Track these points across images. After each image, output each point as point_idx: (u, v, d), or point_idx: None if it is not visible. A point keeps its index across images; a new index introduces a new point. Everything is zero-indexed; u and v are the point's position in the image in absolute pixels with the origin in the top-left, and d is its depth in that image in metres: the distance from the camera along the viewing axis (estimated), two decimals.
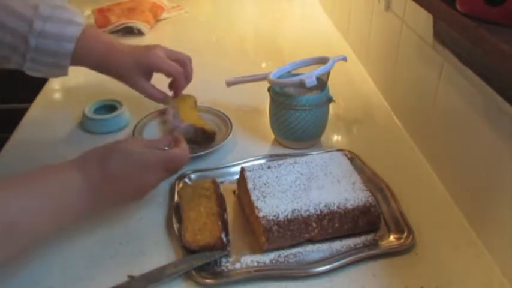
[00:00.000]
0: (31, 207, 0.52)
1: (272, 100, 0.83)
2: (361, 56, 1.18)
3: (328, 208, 0.62)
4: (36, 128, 0.91)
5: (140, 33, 1.35)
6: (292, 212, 0.61)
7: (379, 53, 1.06)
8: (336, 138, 0.88)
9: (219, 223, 0.63)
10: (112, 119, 0.89)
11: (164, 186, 0.73)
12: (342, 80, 1.01)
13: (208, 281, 0.57)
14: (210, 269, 0.59)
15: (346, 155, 0.73)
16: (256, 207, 0.61)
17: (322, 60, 0.83)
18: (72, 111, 0.93)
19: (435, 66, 0.76)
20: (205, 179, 0.72)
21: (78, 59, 0.78)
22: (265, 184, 0.65)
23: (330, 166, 0.69)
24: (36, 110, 0.98)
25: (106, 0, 1.46)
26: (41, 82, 1.04)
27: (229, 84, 0.94)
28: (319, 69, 0.78)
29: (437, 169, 0.77)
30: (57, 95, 1.08)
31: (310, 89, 0.80)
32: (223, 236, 0.61)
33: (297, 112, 0.79)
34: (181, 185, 0.72)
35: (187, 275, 0.58)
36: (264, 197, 0.63)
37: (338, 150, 0.78)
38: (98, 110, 0.91)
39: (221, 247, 0.60)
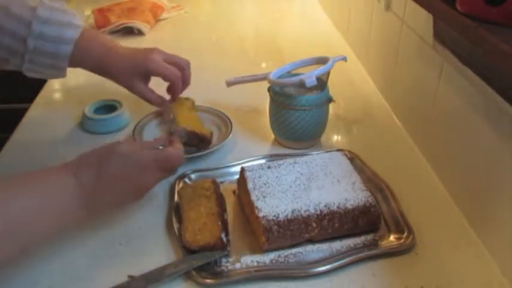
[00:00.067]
0: (28, 208, 0.52)
1: (272, 100, 0.83)
2: (361, 56, 1.18)
3: (328, 208, 0.62)
4: (36, 128, 0.91)
5: (140, 33, 1.35)
6: (292, 212, 0.61)
7: (379, 53, 1.06)
8: (336, 138, 0.88)
9: (219, 223, 0.63)
10: (112, 119, 0.89)
11: (164, 186, 0.73)
12: (342, 80, 1.01)
13: (208, 281, 0.57)
14: (210, 269, 0.59)
15: (346, 155, 0.73)
16: (256, 207, 0.61)
17: (322, 60, 0.83)
18: (72, 111, 0.93)
19: (435, 66, 0.76)
20: (205, 179, 0.72)
21: (76, 61, 0.78)
22: (265, 184, 0.65)
23: (330, 166, 0.69)
24: (36, 110, 0.98)
25: (106, 0, 1.46)
26: (41, 82, 1.04)
27: (229, 84, 0.94)
28: (319, 69, 0.78)
29: (437, 169, 0.77)
30: (57, 95, 1.08)
31: (310, 89, 0.80)
32: (223, 236, 0.61)
33: (297, 112, 0.79)
34: (181, 185, 0.72)
35: (187, 275, 0.58)
36: (264, 197, 0.63)
37: (338, 150, 0.78)
38: (98, 110, 0.91)
39: (221, 247, 0.60)
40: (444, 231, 0.66)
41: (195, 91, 0.90)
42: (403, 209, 0.67)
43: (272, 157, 0.79)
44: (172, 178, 0.74)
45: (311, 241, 0.63)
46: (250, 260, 0.61)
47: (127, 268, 0.59)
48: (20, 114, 0.95)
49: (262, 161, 0.77)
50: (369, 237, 0.64)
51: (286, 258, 0.61)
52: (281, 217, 0.60)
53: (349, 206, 0.62)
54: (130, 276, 0.58)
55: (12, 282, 0.58)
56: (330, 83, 0.82)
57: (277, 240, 0.61)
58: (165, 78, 0.83)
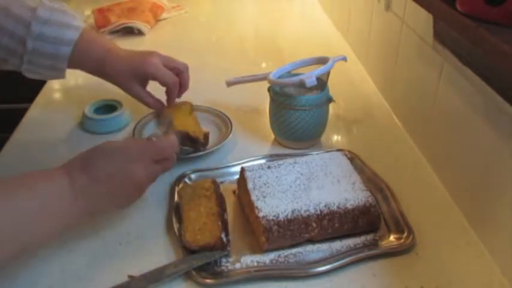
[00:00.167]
0: (28, 208, 0.52)
1: (272, 100, 0.83)
2: (361, 56, 1.18)
3: (328, 208, 0.62)
4: (36, 128, 0.91)
5: (140, 33, 1.35)
6: (292, 212, 0.61)
7: (379, 53, 1.06)
8: (336, 138, 0.88)
9: (219, 223, 0.63)
10: (112, 119, 0.89)
11: (164, 186, 0.73)
12: (342, 80, 1.01)
13: (208, 281, 0.57)
14: (210, 269, 0.59)
15: (346, 155, 0.73)
16: (256, 207, 0.61)
17: (322, 60, 0.83)
18: (72, 111, 0.93)
19: (435, 66, 0.76)
20: (205, 179, 0.71)
21: (75, 63, 0.78)
22: (265, 184, 0.65)
23: (330, 166, 0.69)
24: (36, 110, 0.98)
25: (106, 0, 1.46)
26: (41, 82, 1.04)
27: (229, 84, 0.94)
28: (319, 69, 0.78)
29: (437, 169, 0.77)
30: (57, 95, 1.08)
31: (310, 89, 0.80)
32: (223, 236, 0.61)
33: (297, 112, 0.79)
34: (181, 185, 0.72)
35: (187, 275, 0.58)
36: (264, 197, 0.63)
37: (338, 150, 0.78)
38: (98, 110, 0.91)
39: (221, 247, 0.60)
40: (444, 231, 0.66)
41: (195, 91, 0.90)
42: (403, 209, 0.67)
43: (272, 157, 0.79)
44: (172, 178, 0.74)
45: (311, 241, 0.63)
46: (250, 260, 0.61)
47: (127, 268, 0.59)
48: (20, 114, 0.95)
49: (262, 161, 0.77)
50: (369, 237, 0.64)
51: (286, 258, 0.61)
52: (281, 217, 0.60)
53: (349, 206, 0.62)
54: (131, 276, 0.58)
55: (12, 282, 0.58)
56: (330, 83, 0.82)
57: (277, 240, 0.61)
58: (162, 83, 0.83)
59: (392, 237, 0.64)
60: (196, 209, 0.65)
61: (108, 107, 0.91)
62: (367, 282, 0.58)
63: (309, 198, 0.63)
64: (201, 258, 0.59)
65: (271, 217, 0.60)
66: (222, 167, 0.77)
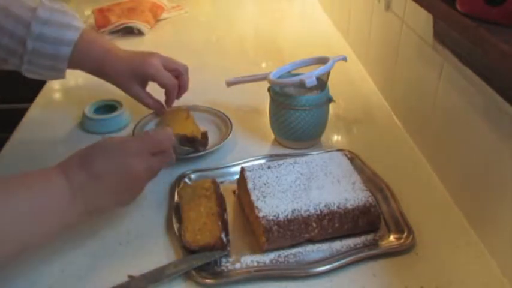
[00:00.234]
0: (28, 207, 0.52)
1: (272, 100, 0.83)
2: (361, 56, 1.18)
3: (328, 208, 0.62)
4: (36, 128, 0.91)
5: (140, 33, 1.35)
6: (292, 212, 0.61)
7: (379, 53, 1.06)
8: (336, 138, 0.88)
9: (219, 223, 0.63)
10: (112, 119, 0.89)
11: (164, 186, 0.73)
12: (342, 80, 1.01)
13: (208, 281, 0.57)
14: (210, 269, 0.59)
15: (346, 155, 0.73)
16: (256, 207, 0.61)
17: (322, 60, 0.83)
18: (72, 111, 0.94)
19: (435, 66, 0.76)
20: (205, 179, 0.71)
21: (75, 63, 0.78)
22: (265, 184, 0.65)
23: (330, 166, 0.69)
24: (36, 110, 0.98)
25: (106, 0, 1.46)
26: (41, 82, 1.04)
27: (229, 84, 0.94)
28: (319, 69, 0.78)
29: (437, 169, 0.77)
30: (57, 95, 1.08)
31: (310, 89, 0.80)
32: (223, 236, 0.61)
33: (297, 112, 0.79)
34: (181, 185, 0.72)
35: (187, 275, 0.58)
36: (264, 197, 0.63)
37: (338, 150, 0.78)
38: (98, 110, 0.91)
39: (221, 247, 0.60)
40: (444, 231, 0.66)
41: (195, 91, 0.90)
42: (403, 209, 0.67)
43: (272, 157, 0.79)
44: (172, 178, 0.74)
45: (311, 241, 0.63)
46: (250, 260, 0.61)
47: (127, 268, 0.59)
48: (20, 114, 0.95)
49: (262, 161, 0.77)
50: (369, 237, 0.64)
51: (286, 258, 0.61)
52: (281, 217, 0.60)
53: (349, 206, 0.62)
54: (131, 276, 0.58)
55: (12, 282, 0.58)
56: (330, 83, 0.82)
57: (277, 240, 0.61)
58: (161, 85, 0.83)
59: (392, 237, 0.64)
60: (196, 209, 0.65)
61: (108, 107, 0.91)
62: (367, 282, 0.58)
63: (309, 198, 0.63)
64: (201, 258, 0.59)
65: (271, 217, 0.60)
66: (222, 167, 0.77)
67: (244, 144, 0.85)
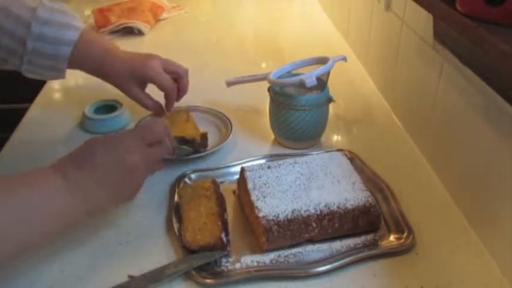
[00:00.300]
0: (28, 207, 0.52)
1: (272, 100, 0.83)
2: (361, 56, 1.18)
3: (328, 208, 0.62)
4: (36, 128, 0.91)
5: (140, 33, 1.35)
6: (292, 212, 0.61)
7: (379, 53, 1.06)
8: (336, 138, 0.88)
9: (219, 223, 0.63)
10: (112, 119, 0.89)
11: (164, 186, 0.73)
12: (342, 80, 1.01)
13: (208, 281, 0.57)
14: (210, 269, 0.59)
15: (346, 155, 0.73)
16: (256, 207, 0.61)
17: (322, 60, 0.83)
18: (72, 111, 0.94)
19: (435, 66, 0.76)
20: (205, 179, 0.71)
21: (75, 63, 0.78)
22: (265, 184, 0.65)
23: (330, 166, 0.69)
24: (36, 110, 0.98)
25: (106, 0, 1.46)
26: (41, 82, 1.04)
27: (229, 84, 0.94)
28: (319, 69, 0.78)
29: (437, 169, 0.77)
30: (57, 95, 1.08)
31: (310, 89, 0.80)
32: (223, 236, 0.61)
33: (297, 112, 0.79)
34: (181, 185, 0.72)
35: (187, 275, 0.58)
36: (264, 197, 0.63)
37: (338, 150, 0.78)
38: (98, 110, 0.91)
39: (221, 247, 0.60)
40: (444, 231, 0.66)
41: (195, 91, 0.90)
42: (403, 209, 0.67)
43: (272, 157, 0.79)
44: (172, 178, 0.74)
45: (311, 241, 0.63)
46: (250, 260, 0.61)
47: (127, 268, 0.59)
48: (20, 114, 0.95)
49: (262, 161, 0.77)
50: (369, 237, 0.64)
51: (286, 258, 0.61)
52: (281, 217, 0.60)
53: (349, 206, 0.62)
54: (131, 276, 0.58)
55: (12, 282, 0.58)
56: (330, 83, 0.82)
57: (277, 240, 0.61)
58: (160, 87, 0.83)
59: (392, 237, 0.64)
60: (196, 209, 0.65)
61: (108, 107, 0.91)
62: (367, 282, 0.58)
63: (309, 198, 0.63)
64: (201, 258, 0.59)
65: (271, 217, 0.60)
66: (222, 167, 0.77)
67: (244, 144, 0.85)
